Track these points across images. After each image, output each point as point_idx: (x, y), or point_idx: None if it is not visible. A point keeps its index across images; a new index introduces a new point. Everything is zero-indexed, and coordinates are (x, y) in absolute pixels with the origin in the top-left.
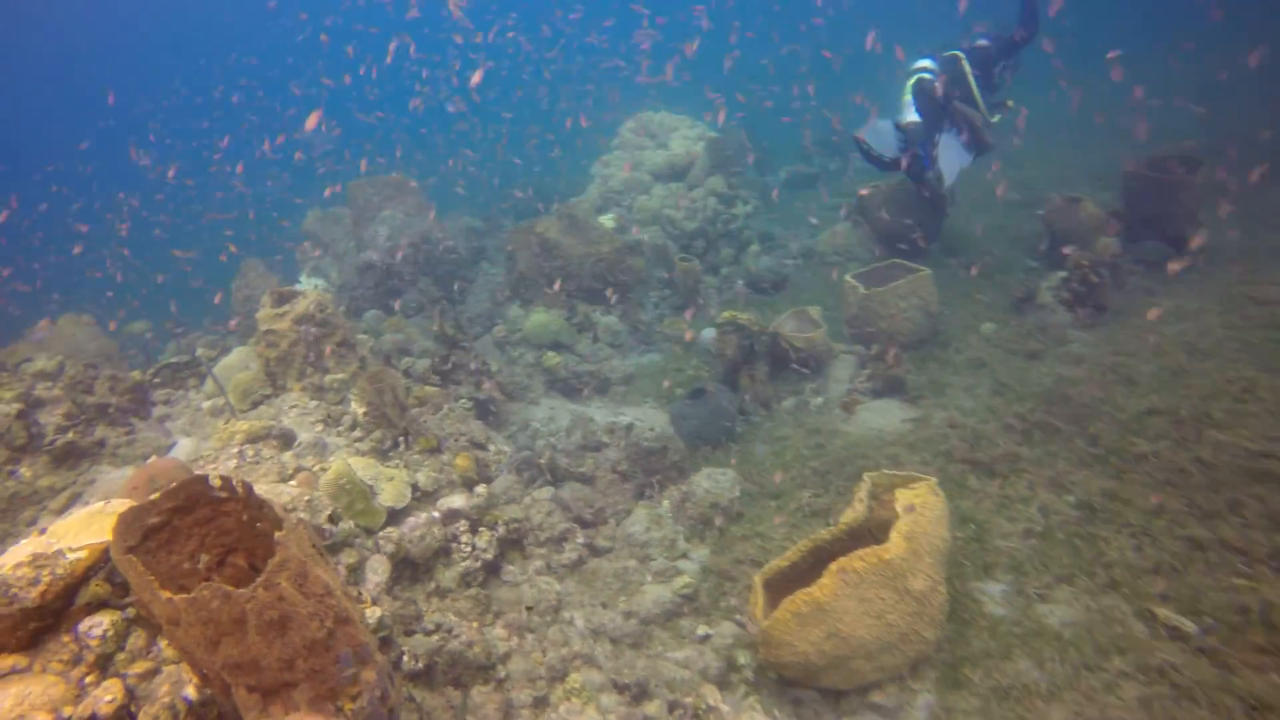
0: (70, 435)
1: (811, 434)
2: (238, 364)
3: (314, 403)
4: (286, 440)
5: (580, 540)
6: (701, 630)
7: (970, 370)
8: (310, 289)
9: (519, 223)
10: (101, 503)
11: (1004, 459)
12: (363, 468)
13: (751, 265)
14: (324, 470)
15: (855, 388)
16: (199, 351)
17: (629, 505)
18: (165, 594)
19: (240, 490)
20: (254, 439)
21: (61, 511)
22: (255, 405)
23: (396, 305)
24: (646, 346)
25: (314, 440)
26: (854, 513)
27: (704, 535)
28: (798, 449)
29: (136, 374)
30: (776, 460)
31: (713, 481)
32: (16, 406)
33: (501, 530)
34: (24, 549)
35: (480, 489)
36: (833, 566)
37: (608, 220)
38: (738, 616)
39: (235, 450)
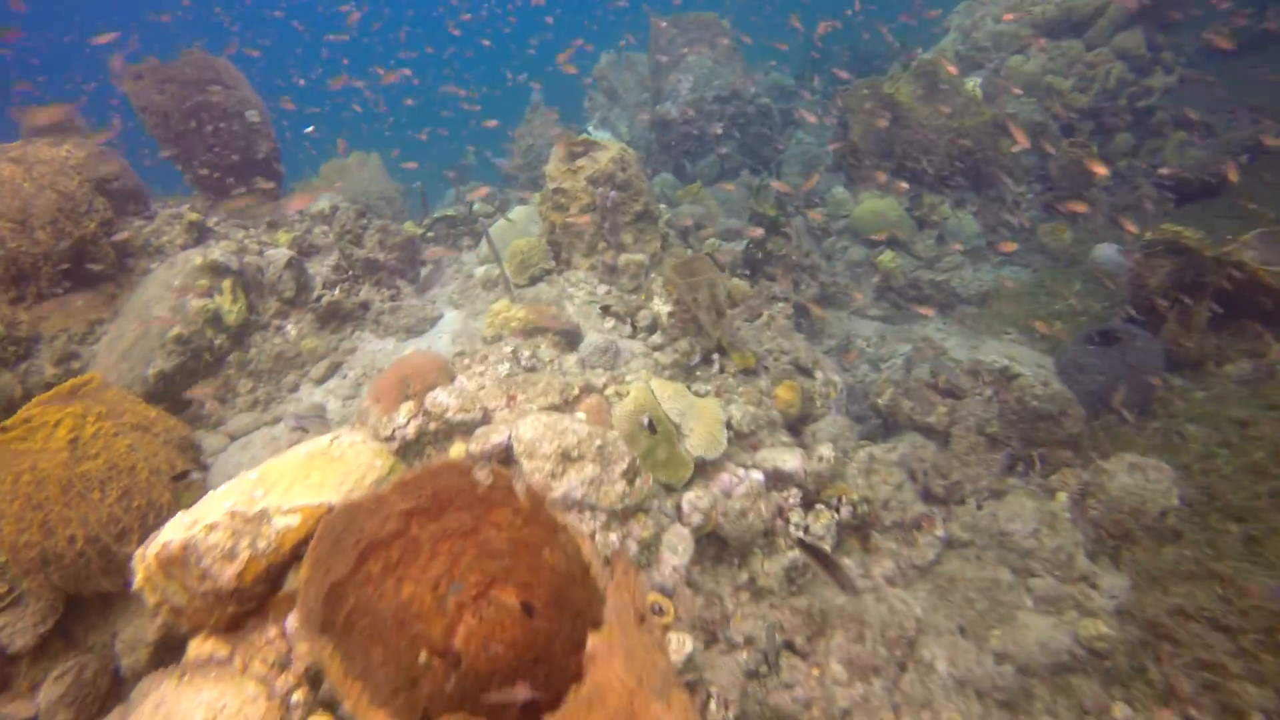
0: (336, 293)
1: None
2: (519, 225)
3: (604, 288)
4: (570, 340)
5: (939, 533)
6: (1120, 713)
7: None
8: (611, 141)
9: (856, 80)
10: (329, 438)
11: None
12: (668, 396)
13: (1172, 158)
14: (619, 396)
15: None
16: (475, 206)
17: (996, 483)
18: None
19: (523, 498)
20: (530, 331)
21: (322, 381)
22: (534, 281)
23: (691, 170)
24: (1007, 256)
25: (603, 345)
26: None
27: (1120, 557)
28: (1272, 442)
29: (410, 226)
30: (1234, 457)
31: (1137, 477)
32: (286, 254)
33: (845, 513)
34: (224, 497)
35: (825, 450)
36: None
37: (971, 85)
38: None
39: (508, 347)
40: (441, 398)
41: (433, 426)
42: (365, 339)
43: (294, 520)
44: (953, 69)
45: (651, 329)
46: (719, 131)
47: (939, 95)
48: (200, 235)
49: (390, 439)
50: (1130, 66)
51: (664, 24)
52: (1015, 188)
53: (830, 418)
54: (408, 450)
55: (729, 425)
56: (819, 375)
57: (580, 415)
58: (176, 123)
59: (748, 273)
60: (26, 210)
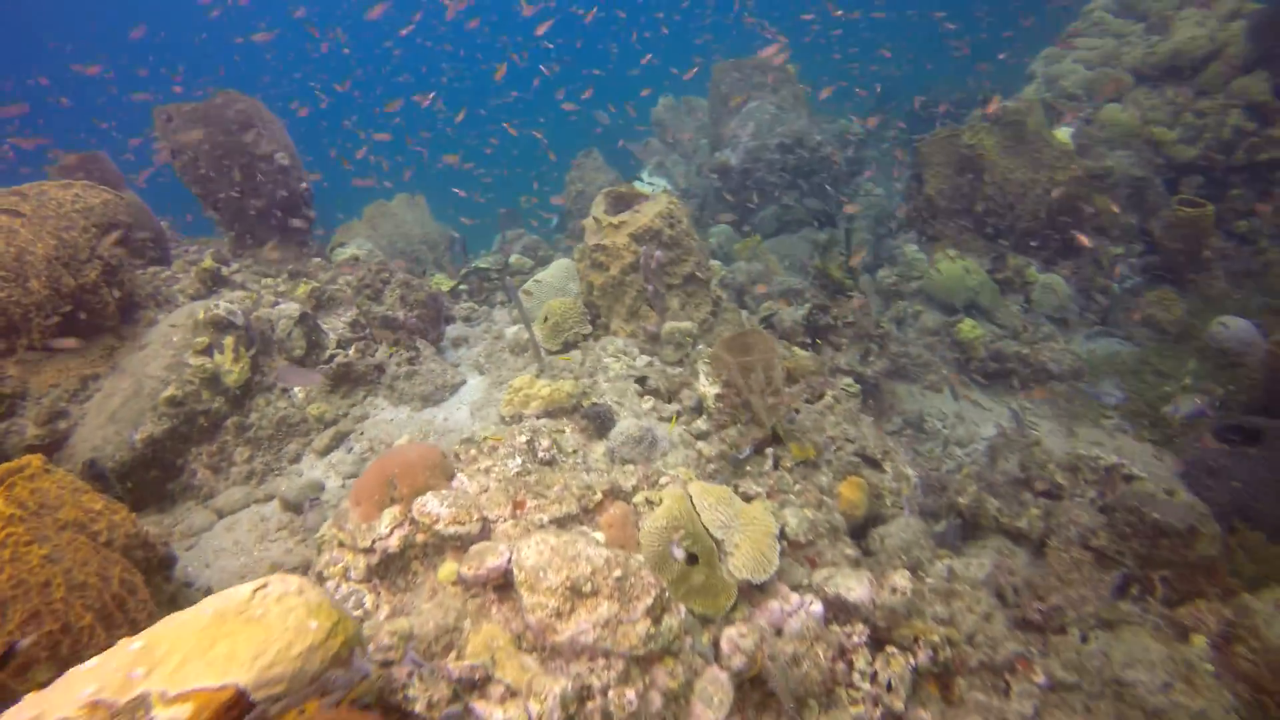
0: (351, 353)
1: None
2: (556, 282)
3: (645, 359)
4: (600, 424)
5: (1039, 679)
6: None
7: None
8: (658, 192)
9: (935, 130)
10: (250, 589)
11: None
12: (710, 503)
13: None
14: (649, 505)
15: None
16: (513, 259)
17: (1106, 610)
18: None
19: None
20: (555, 411)
21: (325, 452)
22: (567, 347)
23: (751, 221)
24: (1105, 327)
25: (638, 433)
26: None
27: None
28: None
29: (440, 279)
30: None
31: None
32: (297, 309)
33: (922, 657)
34: (88, 678)
35: (900, 579)
36: None
37: (1062, 135)
38: None
39: (523, 436)
40: (432, 505)
41: (420, 538)
42: (378, 406)
43: (182, 713)
44: (1038, 117)
45: (697, 411)
46: (778, 181)
47: (1026, 146)
48: (214, 284)
49: (369, 551)
50: (1250, 114)
51: (726, 67)
52: (1113, 249)
53: (902, 520)
54: (390, 565)
55: (782, 534)
56: (889, 469)
57: (598, 535)
58: (206, 164)
59: (810, 341)
60: (20, 258)
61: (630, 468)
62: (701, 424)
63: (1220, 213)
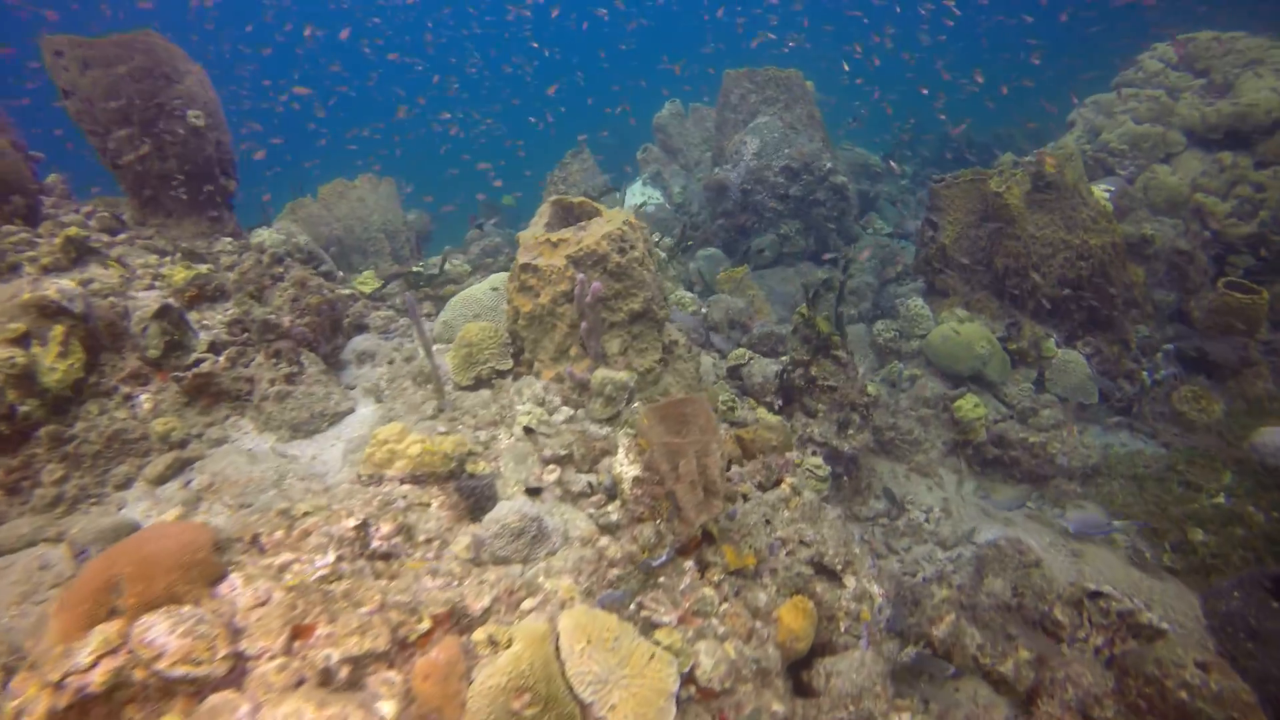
0: (221, 361)
1: None
2: (488, 299)
3: (566, 411)
4: (476, 503)
5: None
6: None
7: None
8: (622, 212)
9: (957, 171)
10: None
11: None
12: (584, 645)
13: None
14: (493, 647)
15: None
16: (449, 264)
17: None
18: None
19: None
20: (424, 477)
21: (160, 481)
22: (479, 384)
23: (747, 247)
24: (1128, 419)
25: (518, 524)
26: None
27: None
28: None
29: (365, 278)
30: None
31: None
32: (158, 300)
33: None
34: None
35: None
36: None
37: (1099, 193)
38: None
39: (351, 520)
40: (157, 630)
41: (140, 675)
42: (242, 429)
43: None
44: (1075, 168)
45: (611, 493)
46: (779, 207)
47: (1060, 202)
48: (80, 256)
49: (58, 687)
50: None
51: (739, 76)
52: (1143, 329)
53: (857, 655)
54: (87, 714)
55: (691, 677)
56: (850, 583)
57: (386, 709)
58: (101, 114)
59: (780, 403)
60: None
61: (494, 574)
62: (613, 512)
63: (1271, 301)
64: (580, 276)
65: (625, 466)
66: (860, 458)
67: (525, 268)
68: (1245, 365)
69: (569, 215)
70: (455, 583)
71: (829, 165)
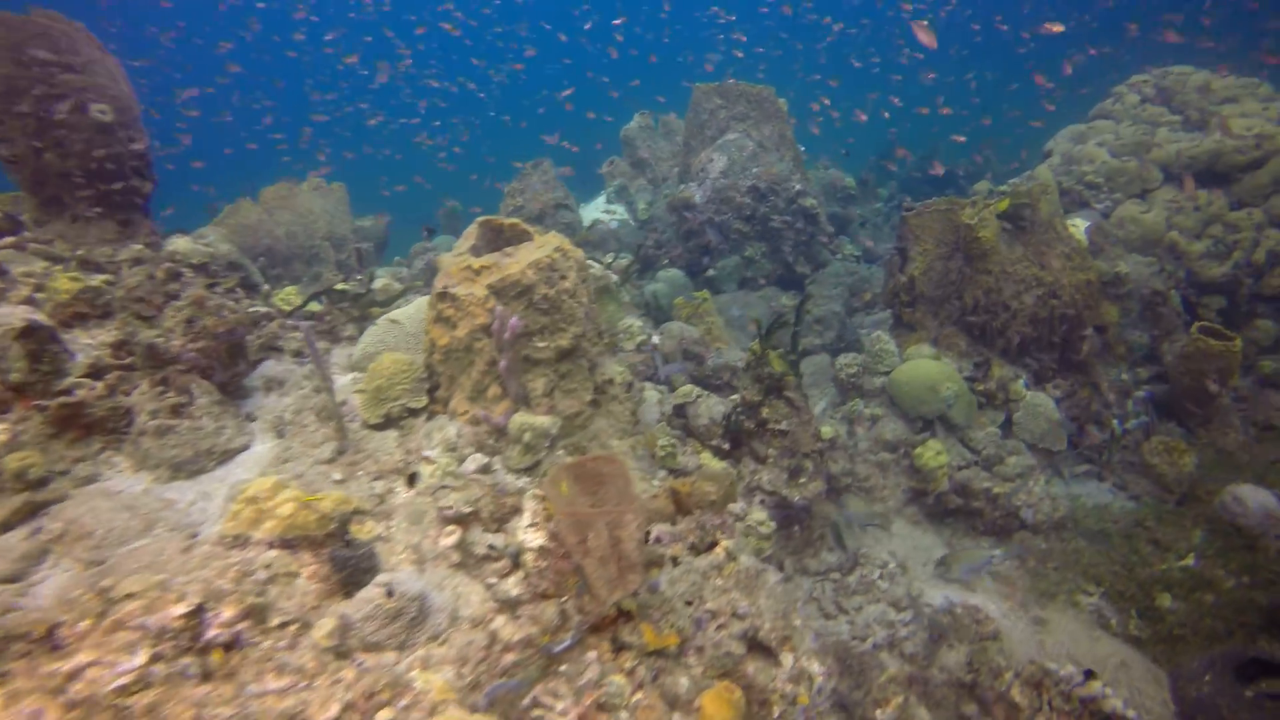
0: (99, 388)
1: None
2: (413, 327)
3: (479, 459)
4: (351, 575)
5: None
6: None
7: None
8: (555, 237)
9: (928, 200)
10: None
11: None
12: None
13: None
14: None
15: None
16: (378, 283)
17: None
18: None
19: None
20: (297, 542)
21: (3, 529)
22: (388, 423)
23: (709, 269)
24: (1097, 469)
25: (396, 603)
26: None
27: None
28: None
29: (287, 294)
30: None
31: None
32: (22, 317)
33: None
34: None
35: None
36: None
37: (1074, 229)
38: None
39: (180, 608)
40: None
41: None
42: (114, 464)
43: None
44: (1052, 203)
45: (515, 565)
46: (745, 229)
47: (1034, 237)
48: None
49: None
50: None
51: (709, 91)
52: (1115, 372)
53: None
54: None
55: None
56: (786, 661)
57: None
58: None
59: (727, 446)
60: None
61: (354, 669)
62: (513, 585)
63: (1247, 342)
64: (499, 309)
65: (528, 534)
66: (813, 506)
67: (443, 296)
68: (1216, 415)
69: (498, 238)
70: (303, 684)
71: (798, 187)
